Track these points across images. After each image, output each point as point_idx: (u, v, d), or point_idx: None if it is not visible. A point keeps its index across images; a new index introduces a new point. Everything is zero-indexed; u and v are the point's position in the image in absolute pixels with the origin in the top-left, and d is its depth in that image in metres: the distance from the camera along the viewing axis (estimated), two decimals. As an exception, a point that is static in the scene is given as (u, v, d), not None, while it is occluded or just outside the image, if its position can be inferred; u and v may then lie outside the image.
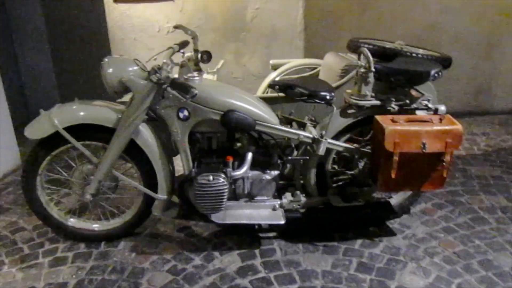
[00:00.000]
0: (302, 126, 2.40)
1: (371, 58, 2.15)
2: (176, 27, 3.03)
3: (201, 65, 2.89)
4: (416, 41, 3.54)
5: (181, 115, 2.15)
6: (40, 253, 2.37)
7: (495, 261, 2.19)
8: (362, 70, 2.21)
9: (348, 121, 2.27)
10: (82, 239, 2.44)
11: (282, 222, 2.25)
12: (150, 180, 2.30)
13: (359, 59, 2.30)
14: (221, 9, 3.83)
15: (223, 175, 2.14)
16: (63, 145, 2.23)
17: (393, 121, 2.07)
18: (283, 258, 2.27)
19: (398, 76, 2.19)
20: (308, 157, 2.26)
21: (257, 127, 2.17)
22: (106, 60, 2.15)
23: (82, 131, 2.18)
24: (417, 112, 2.23)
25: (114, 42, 3.96)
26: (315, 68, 3.40)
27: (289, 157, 2.27)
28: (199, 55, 2.95)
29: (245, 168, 2.23)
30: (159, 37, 3.92)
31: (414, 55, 2.73)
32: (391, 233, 2.46)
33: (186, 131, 2.17)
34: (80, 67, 4.26)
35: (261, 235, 2.48)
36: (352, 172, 2.42)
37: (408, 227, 2.52)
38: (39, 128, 2.14)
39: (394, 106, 2.18)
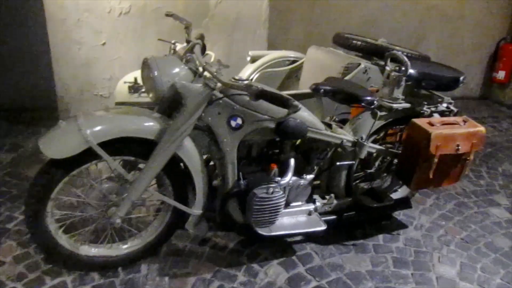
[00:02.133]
0: (328, 126, 2.38)
1: (408, 63, 2.22)
2: (168, 15, 2.70)
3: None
4: (358, 33, 3.70)
5: (232, 123, 1.93)
6: (45, 293, 1.95)
7: (495, 243, 2.53)
8: (395, 73, 2.28)
9: (380, 123, 2.33)
10: (95, 267, 2.07)
11: (324, 227, 2.23)
12: (181, 194, 2.06)
13: (386, 63, 2.36)
14: (184, -9, 3.48)
15: (279, 187, 2.03)
16: (86, 163, 1.82)
17: (431, 124, 2.19)
18: (324, 263, 2.26)
19: (430, 81, 2.31)
20: (354, 161, 2.27)
21: (308, 134, 2.08)
22: (151, 60, 1.80)
23: (109, 144, 1.81)
24: (435, 114, 2.40)
25: (53, 23, 3.28)
26: (294, 61, 3.35)
27: (337, 163, 2.24)
28: (192, 47, 2.68)
29: (289, 175, 2.13)
30: (110, 19, 3.38)
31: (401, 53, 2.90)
32: (402, 225, 2.64)
33: (237, 141, 1.97)
34: (8, 51, 3.50)
35: (289, 239, 2.42)
36: (370, 170, 2.51)
37: (413, 217, 2.73)
38: (66, 144, 1.70)
39: (426, 109, 2.31)
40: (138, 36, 3.49)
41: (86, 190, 1.95)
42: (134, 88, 2.41)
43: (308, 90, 2.41)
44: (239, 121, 1.93)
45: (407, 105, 2.32)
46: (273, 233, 2.13)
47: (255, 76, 3.22)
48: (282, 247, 2.35)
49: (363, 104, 2.18)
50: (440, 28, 4.79)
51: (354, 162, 2.28)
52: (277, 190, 2.01)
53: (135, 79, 2.42)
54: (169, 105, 1.97)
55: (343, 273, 2.20)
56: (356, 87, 2.29)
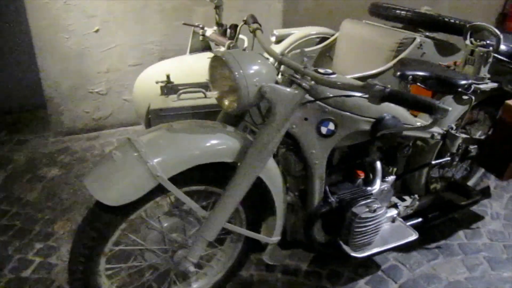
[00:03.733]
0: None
1: (501, 37, 1.87)
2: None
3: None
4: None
5: (323, 130, 1.53)
6: None
7: None
8: (481, 49, 1.93)
9: (465, 108, 1.99)
10: (157, 321, 1.66)
11: (416, 236, 1.90)
12: (255, 221, 1.66)
13: (465, 38, 2.01)
14: (187, -38, 2.94)
15: (378, 201, 1.67)
16: (148, 201, 1.38)
17: (529, 106, 1.88)
18: (416, 276, 1.96)
19: (522, 56, 1.98)
20: (450, 158, 1.93)
21: (404, 132, 1.72)
22: (228, 57, 1.33)
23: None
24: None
25: (33, 9, 2.67)
26: (325, 39, 2.93)
27: (432, 161, 1.89)
28: (227, 31, 2.23)
29: (378, 181, 1.79)
30: (103, 0, 2.80)
31: (452, 21, 2.56)
32: (477, 216, 2.37)
33: (327, 151, 1.57)
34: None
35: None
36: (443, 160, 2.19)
37: (483, 205, 2.46)
38: (129, 184, 1.24)
39: (518, 88, 1.99)
40: (138, 18, 2.95)
41: (142, 233, 1.51)
42: (167, 88, 1.93)
43: (371, 72, 2.05)
44: (331, 126, 1.53)
45: (495, 84, 1.99)
46: (366, 253, 1.78)
47: (283, 58, 2.78)
48: (361, 261, 2.02)
49: (460, 89, 1.82)
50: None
51: (449, 158, 1.94)
52: (379, 205, 1.65)
53: (168, 77, 1.93)
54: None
55: (442, 285, 1.91)
56: (443, 70, 1.93)
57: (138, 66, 3.10)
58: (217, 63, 1.38)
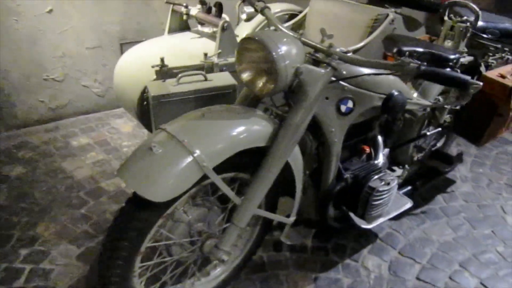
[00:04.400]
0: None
1: (480, 13, 2.01)
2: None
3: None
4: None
5: (342, 108, 1.55)
6: None
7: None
8: (461, 25, 2.05)
9: (446, 80, 2.12)
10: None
11: (411, 204, 2.02)
12: (273, 202, 1.66)
13: (444, 14, 2.12)
14: None
15: (390, 173, 1.74)
16: (183, 194, 1.30)
17: (502, 76, 2.06)
18: (411, 240, 2.09)
19: (494, 31, 2.14)
20: (440, 128, 2.05)
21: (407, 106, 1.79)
22: (263, 37, 1.26)
23: None
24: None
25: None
26: (293, 15, 2.92)
27: (427, 132, 2.00)
28: (212, 9, 2.16)
29: (381, 154, 1.86)
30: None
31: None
32: (449, 180, 2.57)
33: (345, 128, 1.60)
34: None
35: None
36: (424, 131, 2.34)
37: (453, 170, 2.67)
38: (175, 178, 1.16)
39: (493, 60, 2.15)
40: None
41: (168, 227, 1.43)
42: (162, 73, 1.81)
43: (349, 48, 2.11)
44: (350, 104, 1.56)
45: (471, 58, 2.14)
46: (373, 224, 1.86)
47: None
48: (358, 232, 2.11)
49: (451, 64, 1.93)
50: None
51: (440, 128, 2.07)
52: (392, 177, 1.72)
53: (162, 60, 1.81)
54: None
55: (435, 247, 2.06)
56: (432, 45, 2.02)
57: (97, 49, 2.87)
58: (251, 45, 1.32)
